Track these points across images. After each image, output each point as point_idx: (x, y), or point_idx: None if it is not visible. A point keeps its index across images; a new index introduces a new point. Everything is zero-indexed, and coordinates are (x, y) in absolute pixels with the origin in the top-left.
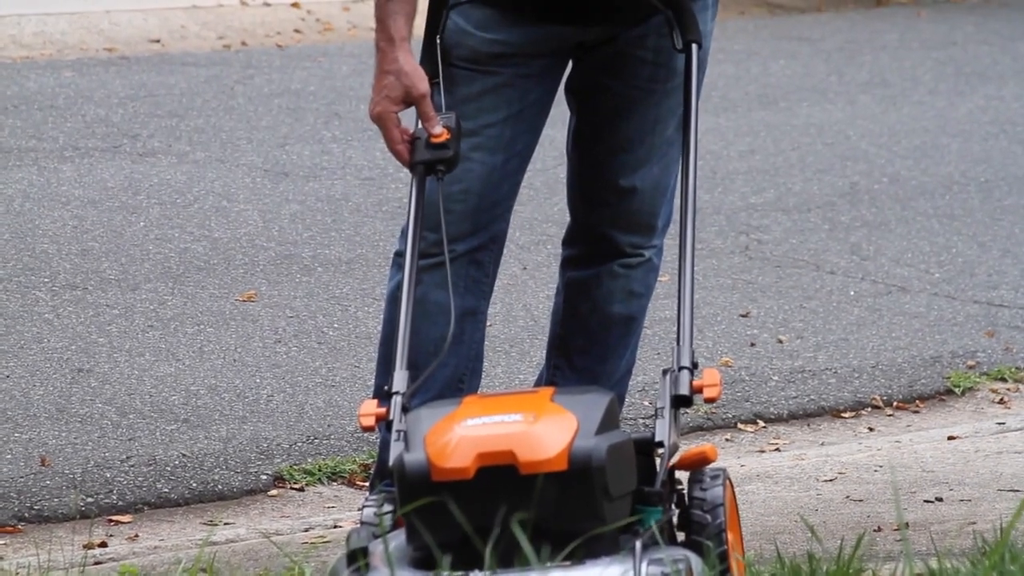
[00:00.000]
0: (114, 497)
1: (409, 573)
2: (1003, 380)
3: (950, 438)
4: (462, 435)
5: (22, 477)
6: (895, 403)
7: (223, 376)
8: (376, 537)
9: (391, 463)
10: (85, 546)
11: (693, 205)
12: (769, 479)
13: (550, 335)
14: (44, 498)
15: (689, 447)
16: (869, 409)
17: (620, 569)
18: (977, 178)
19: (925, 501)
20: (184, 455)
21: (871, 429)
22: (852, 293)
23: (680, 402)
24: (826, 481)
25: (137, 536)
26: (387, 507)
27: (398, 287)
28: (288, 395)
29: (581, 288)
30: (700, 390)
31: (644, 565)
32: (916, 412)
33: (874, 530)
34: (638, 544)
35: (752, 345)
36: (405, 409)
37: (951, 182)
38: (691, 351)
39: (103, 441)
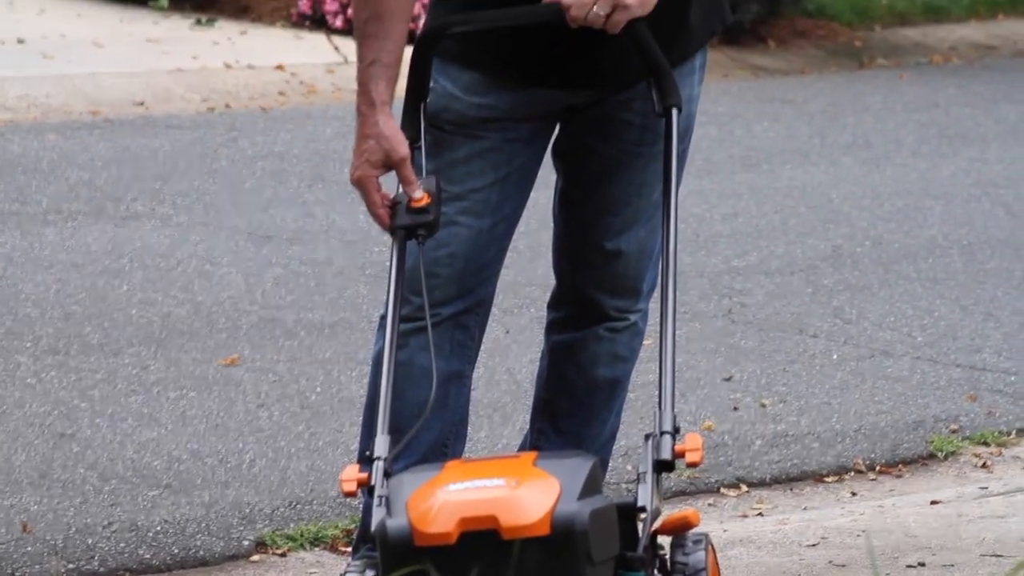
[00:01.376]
0: (96, 563)
1: None
2: (986, 444)
3: (933, 502)
4: (444, 500)
5: (3, 543)
6: (878, 467)
7: (205, 441)
8: None
9: (373, 528)
10: None
11: (674, 268)
12: (752, 544)
13: (535, 399)
14: (26, 564)
15: (672, 512)
16: (852, 473)
17: None
18: (960, 241)
19: (908, 566)
20: (166, 520)
21: (854, 493)
22: (835, 357)
23: (662, 467)
24: (809, 546)
25: None
26: (369, 572)
27: (382, 351)
28: (271, 460)
29: (567, 351)
30: (682, 455)
31: None
32: (899, 476)
33: None
34: None
35: (735, 409)
36: (387, 474)
37: (934, 245)
38: (673, 416)
39: (85, 507)
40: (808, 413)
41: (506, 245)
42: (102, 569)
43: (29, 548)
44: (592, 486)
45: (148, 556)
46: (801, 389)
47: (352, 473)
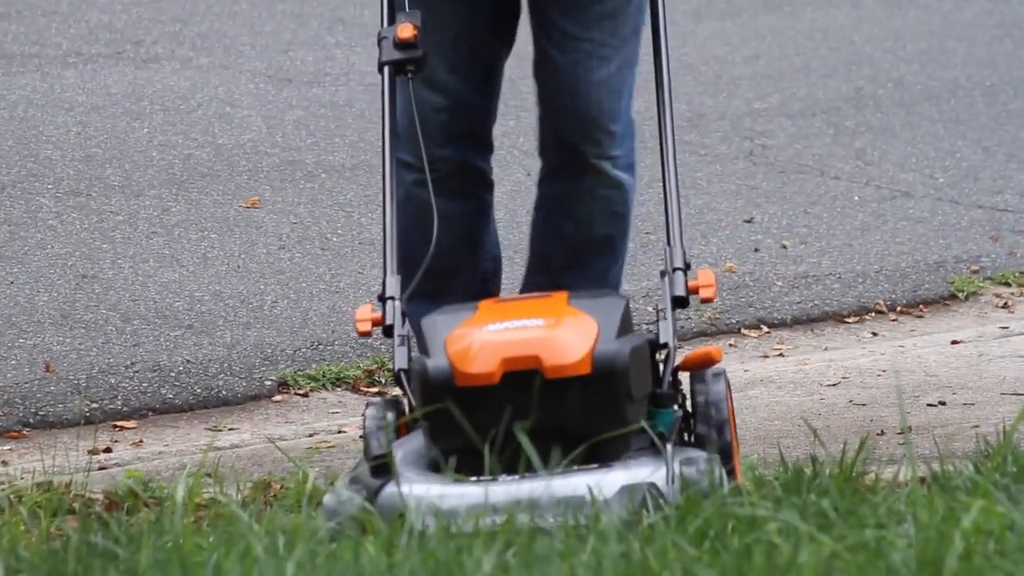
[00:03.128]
0: (119, 403)
1: (438, 478)
2: (1007, 284)
3: (954, 342)
4: (485, 340)
5: (27, 383)
6: (899, 308)
7: (227, 282)
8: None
9: (399, 366)
10: (90, 451)
11: (669, 103)
12: (772, 384)
13: (531, 253)
14: (49, 404)
15: (692, 349)
16: (873, 314)
17: (650, 470)
18: (982, 82)
19: (928, 405)
20: (188, 361)
21: (875, 334)
22: (856, 198)
23: (676, 303)
24: (829, 386)
25: (142, 442)
26: (389, 414)
27: (407, 196)
28: (292, 301)
29: (560, 205)
30: (696, 291)
31: (677, 465)
32: (920, 317)
33: (877, 434)
34: (669, 446)
35: (756, 251)
36: (404, 315)
37: (956, 86)
38: (683, 252)
39: (107, 347)
40: (829, 254)
41: (495, 87)
42: (125, 408)
43: (52, 388)
44: (627, 324)
45: (171, 396)
46: (822, 230)
47: (366, 312)
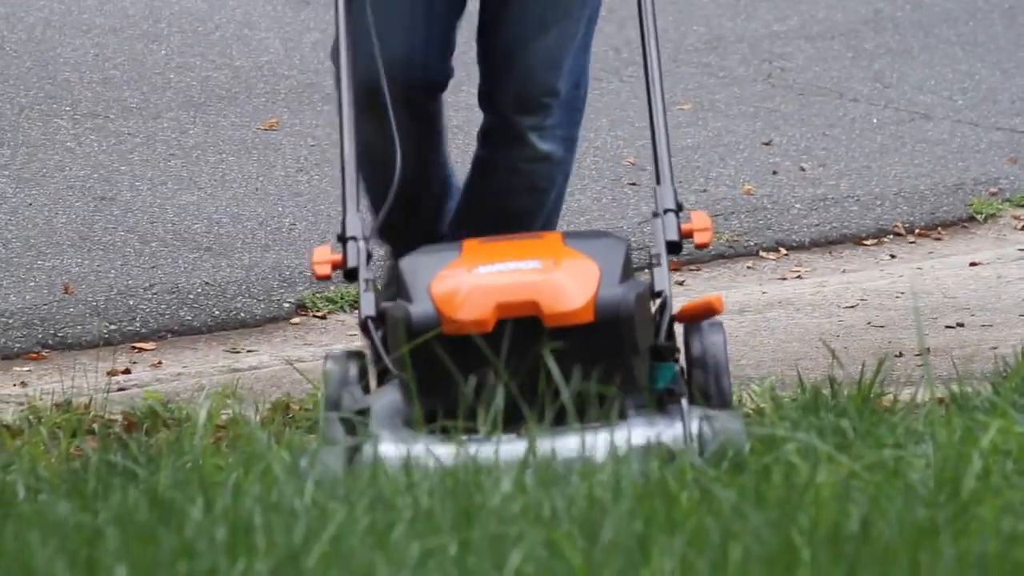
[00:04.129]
0: (137, 324)
1: (422, 436)
2: None
3: (972, 264)
4: (475, 283)
5: (45, 305)
6: (917, 230)
7: (245, 205)
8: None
9: (373, 313)
10: (109, 373)
11: (654, 27)
12: (791, 306)
13: (457, 207)
14: (67, 326)
15: (691, 299)
16: (891, 236)
17: (669, 429)
18: (1001, 4)
19: (946, 327)
20: (207, 283)
21: (893, 256)
22: (875, 121)
23: (670, 248)
24: (847, 308)
25: (160, 363)
26: (352, 367)
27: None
28: (310, 223)
29: (484, 170)
30: (690, 234)
31: (694, 423)
32: (938, 239)
33: (895, 355)
34: (684, 403)
35: (774, 173)
36: (369, 256)
37: (975, 8)
38: (674, 191)
39: (126, 269)
40: (847, 177)
41: (452, 23)
42: (143, 330)
43: (71, 309)
44: (629, 269)
45: (189, 318)
46: (840, 153)
47: (325, 254)
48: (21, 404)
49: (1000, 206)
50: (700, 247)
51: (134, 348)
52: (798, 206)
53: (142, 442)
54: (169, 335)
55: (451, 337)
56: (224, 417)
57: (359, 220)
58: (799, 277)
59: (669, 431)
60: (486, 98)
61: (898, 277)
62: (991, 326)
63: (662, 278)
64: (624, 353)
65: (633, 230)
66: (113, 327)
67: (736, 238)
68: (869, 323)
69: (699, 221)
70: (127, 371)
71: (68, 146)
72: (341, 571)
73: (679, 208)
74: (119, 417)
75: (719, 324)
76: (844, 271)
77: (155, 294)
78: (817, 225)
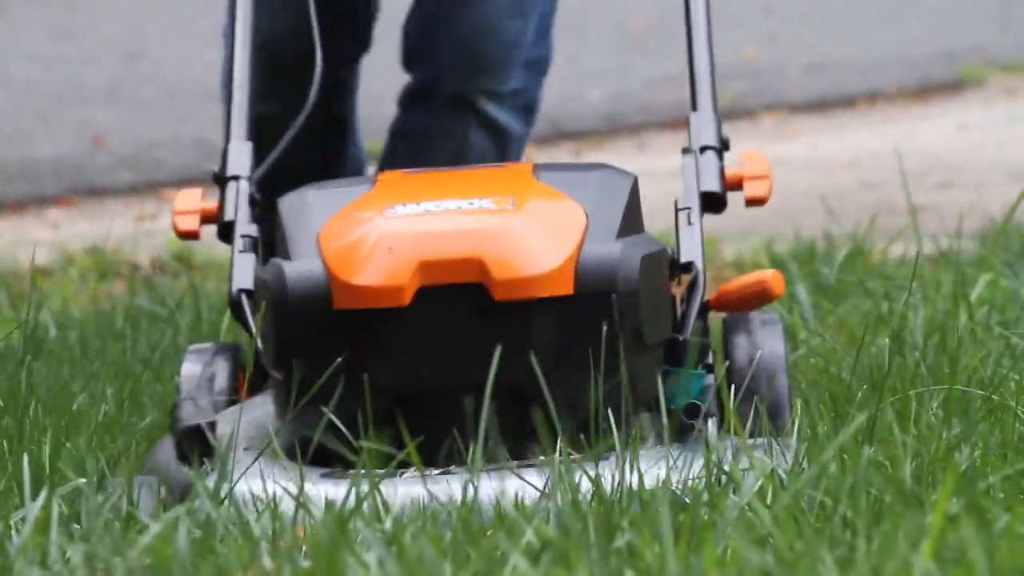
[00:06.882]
0: (163, 175)
1: (311, 472)
2: (1015, 73)
3: (961, 127)
4: (387, 231)
5: (77, 155)
6: (909, 94)
7: None
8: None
9: (240, 285)
10: (138, 218)
11: None
12: (788, 166)
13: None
14: (97, 175)
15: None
16: (883, 100)
17: (683, 469)
18: None
19: (936, 186)
20: None
21: (885, 119)
22: None
23: (707, 203)
24: (841, 167)
25: None
26: (222, 362)
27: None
28: None
29: (412, 143)
30: (738, 183)
31: (727, 459)
32: (929, 102)
33: (887, 213)
34: (711, 427)
35: (773, 38)
36: (254, 201)
37: None
38: (717, 122)
39: (154, 122)
40: (843, 42)
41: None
42: (169, 180)
43: (101, 160)
44: (634, 218)
45: (215, 169)
46: (837, 19)
47: (192, 201)
48: (53, 247)
49: (989, 72)
50: (752, 203)
51: (160, 197)
52: (795, 70)
53: (167, 286)
54: (195, 185)
55: (349, 313)
56: None
57: (248, 151)
58: (795, 138)
59: (682, 471)
60: (420, 48)
61: (890, 139)
62: (980, 185)
63: (693, 244)
64: (619, 347)
65: (638, 92)
66: (140, 178)
67: (736, 98)
68: (862, 182)
69: (753, 165)
70: (154, 218)
71: (100, 3)
72: None
73: (724, 147)
74: (146, 262)
75: (776, 320)
76: (838, 133)
77: (182, 146)
78: (813, 89)
